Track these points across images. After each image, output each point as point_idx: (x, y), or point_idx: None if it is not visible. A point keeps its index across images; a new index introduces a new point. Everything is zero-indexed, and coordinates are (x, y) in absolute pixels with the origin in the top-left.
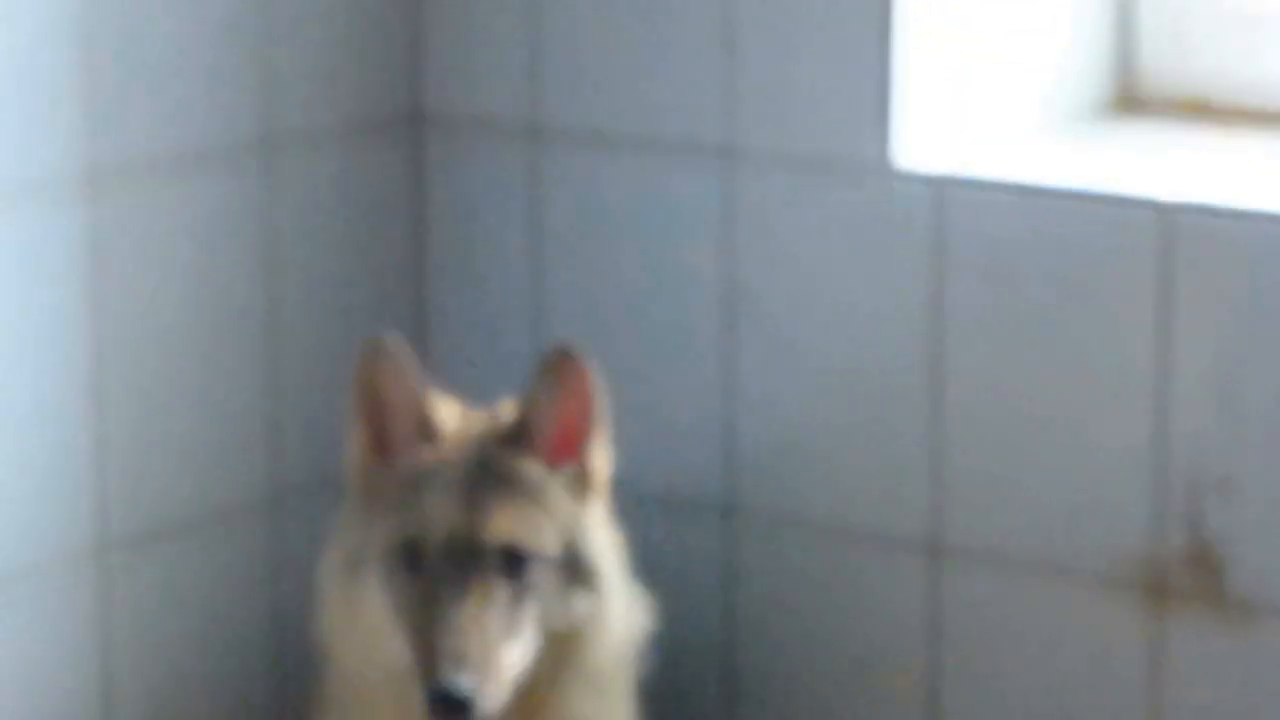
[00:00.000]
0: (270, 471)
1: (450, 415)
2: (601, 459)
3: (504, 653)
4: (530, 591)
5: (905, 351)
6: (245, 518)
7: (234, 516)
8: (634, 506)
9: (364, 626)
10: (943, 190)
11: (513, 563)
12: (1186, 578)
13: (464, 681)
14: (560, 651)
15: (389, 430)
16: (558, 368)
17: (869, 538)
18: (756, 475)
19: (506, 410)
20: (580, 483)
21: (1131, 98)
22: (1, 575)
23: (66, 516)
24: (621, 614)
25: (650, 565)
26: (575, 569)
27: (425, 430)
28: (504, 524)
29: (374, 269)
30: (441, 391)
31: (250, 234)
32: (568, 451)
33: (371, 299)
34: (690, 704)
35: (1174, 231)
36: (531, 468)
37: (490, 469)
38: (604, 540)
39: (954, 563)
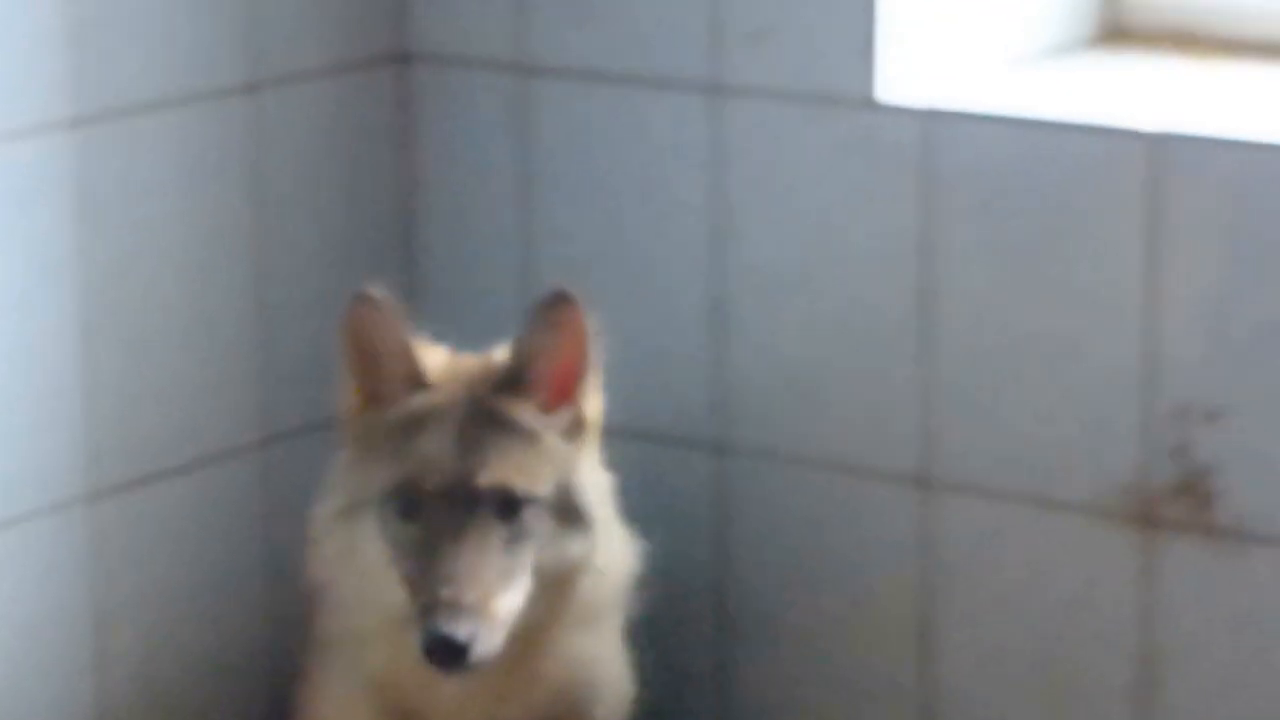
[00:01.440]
0: (260, 415)
1: (439, 363)
2: (594, 403)
3: (500, 598)
4: (525, 535)
5: (894, 285)
6: (236, 461)
7: (224, 460)
8: (624, 443)
9: (360, 571)
10: (930, 123)
11: (507, 506)
12: (1176, 507)
13: (460, 628)
14: (553, 593)
15: (379, 380)
16: (553, 311)
17: (859, 471)
18: (747, 411)
19: (499, 355)
20: (573, 426)
21: (1117, 30)
22: None
23: (56, 464)
24: (613, 555)
25: (641, 503)
26: (568, 511)
27: (414, 379)
28: (499, 468)
29: (362, 209)
30: (429, 336)
31: (237, 176)
32: (562, 395)
33: (360, 239)
34: (684, 641)
35: (1161, 161)
36: (525, 411)
37: (484, 413)
38: (596, 482)
39: (944, 495)
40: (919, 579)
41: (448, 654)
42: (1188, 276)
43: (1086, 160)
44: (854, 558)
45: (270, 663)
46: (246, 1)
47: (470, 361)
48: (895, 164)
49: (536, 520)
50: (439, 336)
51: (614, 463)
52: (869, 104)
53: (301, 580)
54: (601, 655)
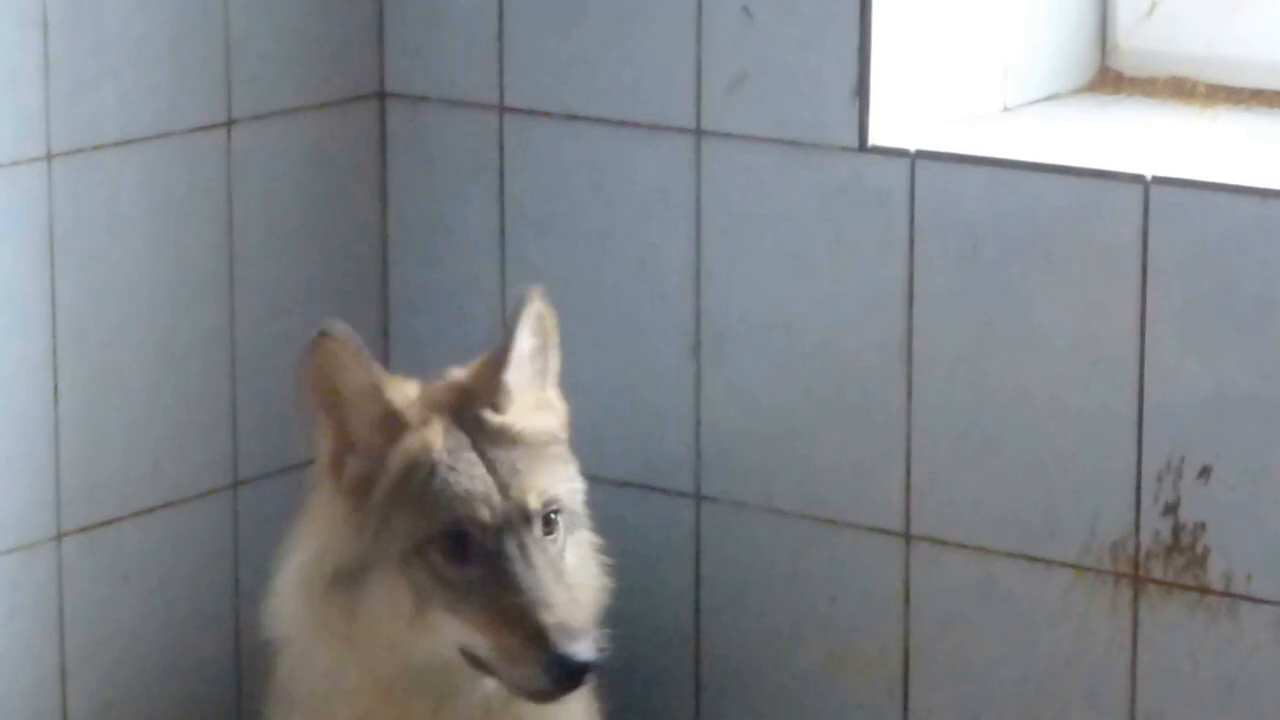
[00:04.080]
0: (230, 457)
1: (409, 396)
2: (559, 399)
3: (588, 605)
4: (563, 542)
5: (878, 333)
6: (205, 504)
7: (193, 503)
8: (602, 490)
9: (371, 632)
10: (917, 168)
11: (548, 521)
12: (1166, 565)
13: (584, 648)
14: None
15: (349, 421)
16: (534, 312)
17: (840, 523)
18: (725, 460)
19: (468, 374)
20: (560, 427)
21: (1111, 76)
22: None
23: (22, 503)
24: (596, 564)
25: (618, 550)
26: (573, 517)
27: (389, 416)
28: (539, 485)
29: (336, 248)
30: (401, 376)
31: (211, 213)
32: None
33: (333, 279)
34: (660, 692)
35: (1154, 207)
36: (528, 423)
37: (496, 435)
38: (580, 486)
39: (927, 549)
40: (900, 634)
41: (575, 676)
42: (1180, 326)
43: (1078, 206)
44: (834, 611)
45: (235, 708)
46: (222, 39)
47: (438, 389)
48: (881, 209)
49: (565, 525)
50: (412, 376)
51: (591, 509)
52: (855, 148)
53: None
54: None
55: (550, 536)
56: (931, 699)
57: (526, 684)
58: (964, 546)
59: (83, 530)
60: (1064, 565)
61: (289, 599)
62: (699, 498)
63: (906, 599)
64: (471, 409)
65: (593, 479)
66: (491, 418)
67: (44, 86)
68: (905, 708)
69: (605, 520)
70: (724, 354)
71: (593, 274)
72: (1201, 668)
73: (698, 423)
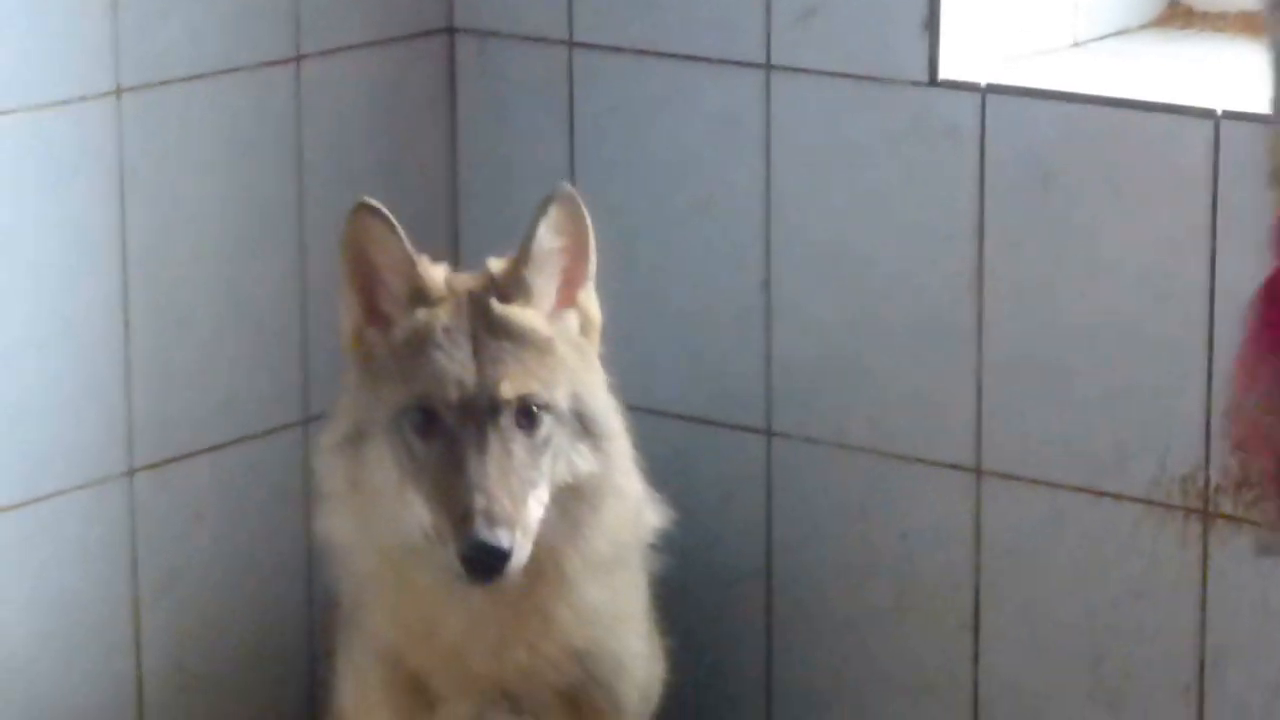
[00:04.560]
0: (301, 391)
1: (439, 277)
2: (595, 305)
3: (530, 505)
4: (544, 444)
5: (947, 267)
6: (276, 439)
7: (264, 438)
8: (671, 425)
9: (369, 499)
10: (988, 101)
11: (528, 416)
12: (1234, 500)
13: (500, 535)
14: (572, 511)
15: (380, 296)
16: (558, 209)
17: (910, 457)
18: (795, 395)
19: (495, 265)
20: (581, 331)
21: (1179, 10)
22: (30, 500)
23: (94, 440)
24: (629, 482)
25: (688, 487)
26: (583, 421)
27: (417, 293)
28: (520, 377)
29: (405, 183)
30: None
31: (280, 149)
32: (566, 299)
33: (403, 214)
34: (730, 628)
35: (1223, 140)
36: (536, 318)
37: (496, 323)
38: (607, 398)
39: (997, 483)
40: (970, 569)
41: (487, 562)
42: (1251, 259)
43: (1149, 140)
44: (904, 547)
45: (308, 640)
46: None
47: (466, 276)
48: (951, 143)
49: (554, 429)
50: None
51: (661, 445)
52: (926, 83)
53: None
54: (624, 616)
55: (525, 432)
56: (1001, 633)
57: (447, 566)
58: (1034, 481)
59: (154, 466)
60: (1133, 500)
61: (317, 459)
62: (770, 434)
63: (977, 534)
64: (486, 297)
65: (662, 414)
66: (496, 306)
67: (112, 21)
68: (975, 642)
69: (675, 455)
70: (794, 288)
71: (662, 209)
72: (1271, 602)
73: (768, 358)
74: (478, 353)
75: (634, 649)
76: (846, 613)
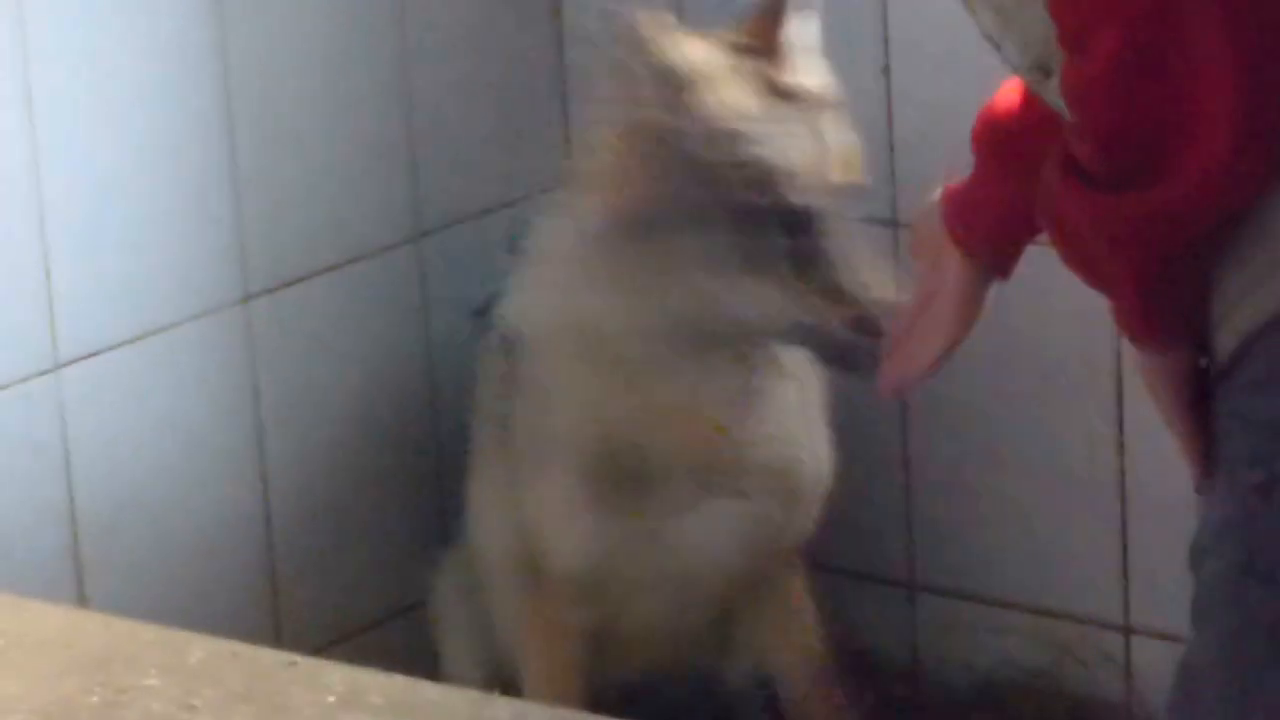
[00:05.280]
0: (412, 208)
1: (702, 60)
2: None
3: None
4: None
5: None
6: (389, 256)
7: (377, 256)
8: None
9: (662, 285)
10: None
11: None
12: None
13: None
14: None
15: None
16: None
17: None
18: None
19: (731, 37)
20: None
21: None
22: (147, 333)
23: (206, 268)
24: None
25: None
26: None
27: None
28: (856, 161)
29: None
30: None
31: None
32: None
33: (507, 18)
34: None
35: None
36: (815, 82)
37: (795, 100)
38: None
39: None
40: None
41: (873, 354)
42: None
43: None
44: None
45: (435, 462)
46: None
47: (719, 40)
48: None
49: None
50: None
51: None
52: None
53: (461, 373)
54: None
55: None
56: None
57: (820, 352)
58: None
59: (269, 291)
60: None
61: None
62: None
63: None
64: (760, 69)
65: None
66: (783, 78)
67: None
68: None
69: None
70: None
71: None
72: None
73: None
74: (820, 137)
75: (823, 432)
76: (982, 404)
